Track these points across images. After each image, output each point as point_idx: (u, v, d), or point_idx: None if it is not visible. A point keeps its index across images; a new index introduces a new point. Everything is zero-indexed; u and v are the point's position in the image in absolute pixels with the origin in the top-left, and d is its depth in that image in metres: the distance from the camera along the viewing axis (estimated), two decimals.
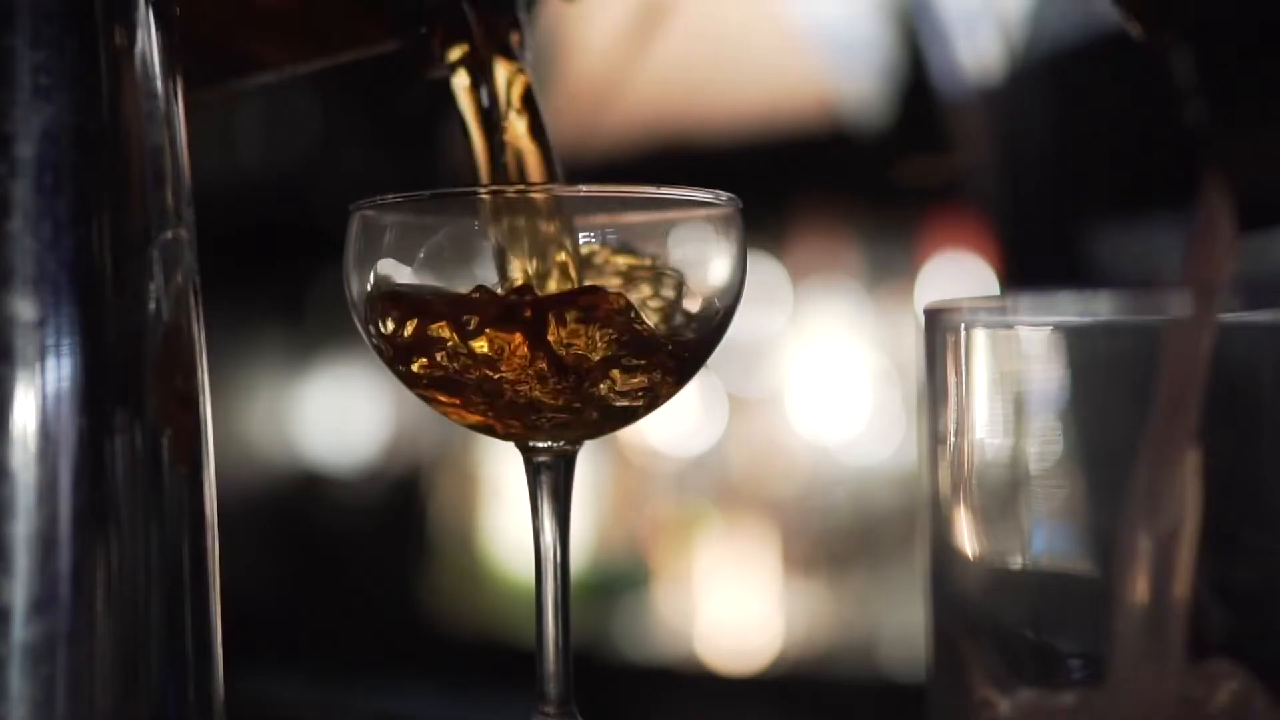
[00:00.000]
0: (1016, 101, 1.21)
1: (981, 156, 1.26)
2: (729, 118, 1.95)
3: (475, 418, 0.55)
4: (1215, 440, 0.39)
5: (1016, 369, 0.42)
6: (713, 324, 0.56)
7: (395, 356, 0.54)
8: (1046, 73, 1.17)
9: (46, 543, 0.47)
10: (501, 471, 2.12)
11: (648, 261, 0.54)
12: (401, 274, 0.54)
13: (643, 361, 0.53)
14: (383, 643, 2.05)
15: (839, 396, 2.02)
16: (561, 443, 0.56)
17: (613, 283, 0.54)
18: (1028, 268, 1.26)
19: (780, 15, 2.00)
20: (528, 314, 0.52)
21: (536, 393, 0.53)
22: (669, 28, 1.82)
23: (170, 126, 0.52)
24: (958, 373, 0.42)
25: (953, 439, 0.42)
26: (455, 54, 0.58)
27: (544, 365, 0.52)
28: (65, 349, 0.47)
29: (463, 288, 0.54)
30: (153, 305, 0.50)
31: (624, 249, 0.54)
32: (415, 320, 0.53)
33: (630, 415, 0.56)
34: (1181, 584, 0.38)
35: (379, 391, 2.23)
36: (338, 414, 2.30)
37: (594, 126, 1.89)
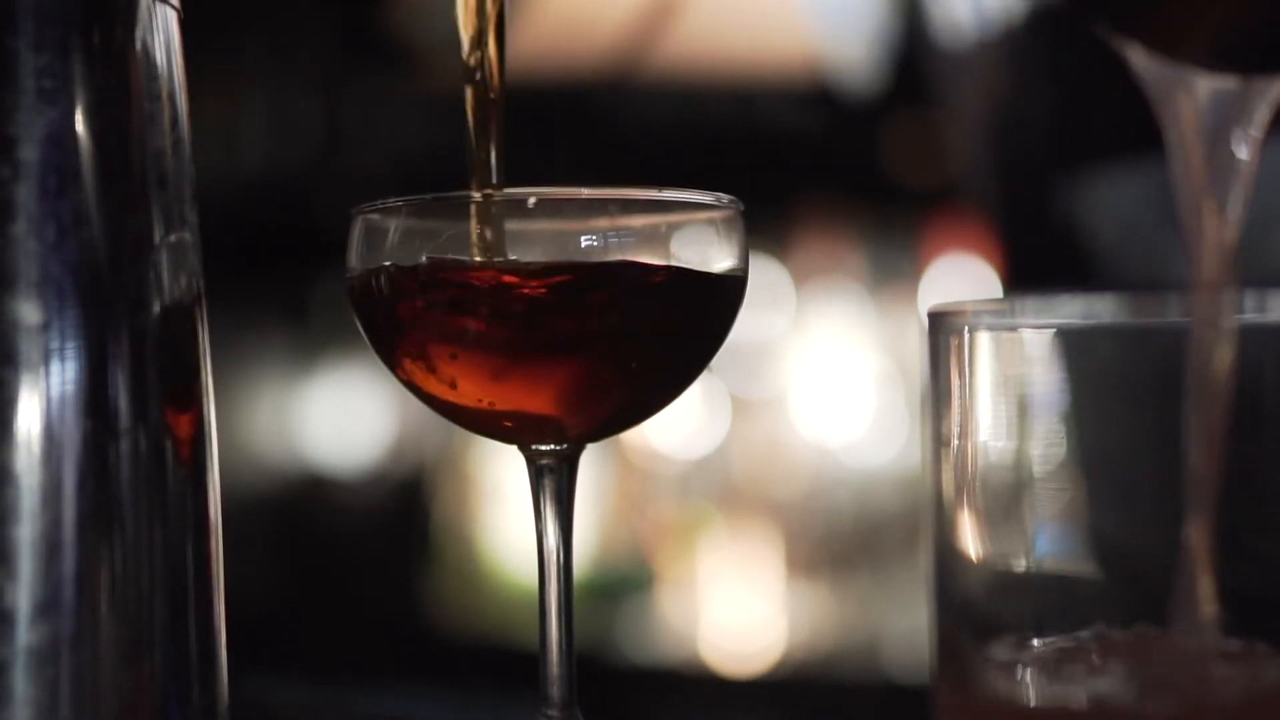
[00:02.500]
0: (1017, 60, 1.19)
1: (978, 117, 1.24)
2: (721, 84, 1.94)
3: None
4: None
5: (1020, 372, 0.42)
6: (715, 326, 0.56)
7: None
8: (1048, 31, 1.15)
9: (50, 546, 0.47)
10: (504, 474, 2.12)
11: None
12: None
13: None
14: (386, 645, 2.05)
15: (842, 399, 2.02)
16: (564, 445, 0.56)
17: None
18: (1020, 240, 1.25)
19: None
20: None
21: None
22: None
23: (174, 129, 0.52)
24: (961, 375, 0.42)
25: (956, 441, 0.42)
26: None
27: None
28: (69, 352, 0.47)
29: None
30: (156, 308, 0.50)
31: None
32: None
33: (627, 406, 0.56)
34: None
35: (382, 394, 2.23)
36: (340, 417, 2.29)
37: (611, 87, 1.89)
